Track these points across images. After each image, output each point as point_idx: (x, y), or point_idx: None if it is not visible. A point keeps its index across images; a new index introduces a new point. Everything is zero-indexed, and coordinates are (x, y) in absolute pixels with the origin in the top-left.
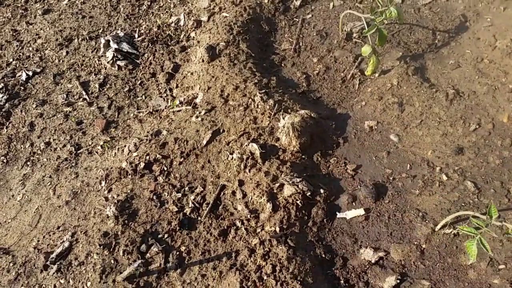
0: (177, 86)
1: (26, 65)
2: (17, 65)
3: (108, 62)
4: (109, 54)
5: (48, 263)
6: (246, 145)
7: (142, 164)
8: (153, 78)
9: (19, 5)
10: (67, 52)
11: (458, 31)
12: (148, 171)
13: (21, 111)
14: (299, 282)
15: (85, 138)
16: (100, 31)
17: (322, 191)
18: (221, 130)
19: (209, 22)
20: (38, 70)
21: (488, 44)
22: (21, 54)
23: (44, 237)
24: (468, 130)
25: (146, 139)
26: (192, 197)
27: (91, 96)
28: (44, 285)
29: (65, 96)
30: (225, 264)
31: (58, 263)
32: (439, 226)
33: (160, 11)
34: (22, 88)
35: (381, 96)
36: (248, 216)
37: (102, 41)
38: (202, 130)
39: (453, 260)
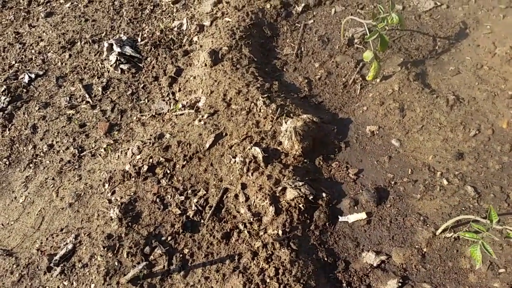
0: (179, 90)
1: (29, 68)
2: (20, 68)
3: (111, 66)
4: (112, 57)
5: (51, 265)
6: (249, 149)
7: (146, 167)
8: (156, 82)
9: (22, 7)
10: (70, 55)
11: (458, 38)
12: (151, 174)
13: (24, 113)
14: (301, 285)
15: (88, 140)
16: (103, 34)
17: (324, 195)
18: (224, 134)
19: (212, 26)
20: (41, 72)
21: (487, 51)
22: (23, 56)
23: (47, 239)
24: (468, 136)
25: (149, 142)
26: (195, 200)
27: (94, 99)
28: (47, 287)
29: (68, 98)
30: (228, 267)
31: (61, 265)
32: (440, 230)
33: (163, 15)
34: (24, 90)
35: (383, 101)
36: (251, 219)
37: (105, 44)
38: (205, 134)
39: (454, 263)
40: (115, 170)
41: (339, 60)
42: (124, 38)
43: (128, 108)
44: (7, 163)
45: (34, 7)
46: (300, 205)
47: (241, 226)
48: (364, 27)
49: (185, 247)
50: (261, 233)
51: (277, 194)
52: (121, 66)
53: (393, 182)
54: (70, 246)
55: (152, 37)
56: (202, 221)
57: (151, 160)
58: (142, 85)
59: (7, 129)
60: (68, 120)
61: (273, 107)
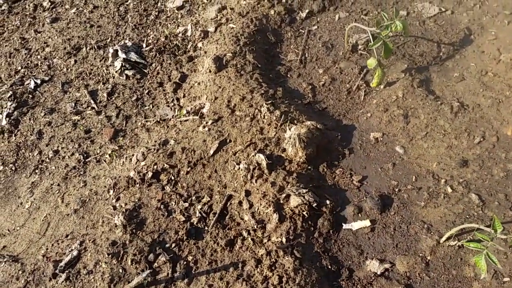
0: (184, 96)
1: (35, 73)
2: (26, 73)
3: (116, 72)
4: (117, 63)
5: (57, 271)
6: (253, 156)
7: (150, 174)
8: (160, 88)
9: (28, 13)
10: (75, 61)
11: (462, 44)
12: (155, 180)
13: (30, 119)
14: None
15: (93, 146)
16: (108, 40)
17: (328, 202)
18: (228, 140)
19: (216, 33)
20: (47, 78)
21: (492, 57)
22: (29, 62)
23: (52, 245)
24: (472, 143)
25: (154, 149)
26: (199, 207)
27: (99, 105)
28: None
29: (73, 104)
30: (232, 275)
31: (67, 271)
32: (444, 238)
33: (167, 21)
34: (30, 96)
35: (387, 108)
36: (255, 226)
37: (111, 50)
38: (209, 140)
39: (458, 272)
40: (119, 176)
41: (343, 66)
42: (129, 44)
43: (133, 114)
44: (13, 168)
45: (40, 13)
46: (304, 213)
47: (245, 233)
48: (368, 34)
49: (189, 254)
50: (265, 240)
51: (281, 201)
52: (126, 72)
53: (397, 189)
54: (75, 253)
55: (157, 43)
56: (206, 228)
57: (155, 166)
58: (147, 91)
59: (13, 135)
60: (73, 126)
61: (277, 114)
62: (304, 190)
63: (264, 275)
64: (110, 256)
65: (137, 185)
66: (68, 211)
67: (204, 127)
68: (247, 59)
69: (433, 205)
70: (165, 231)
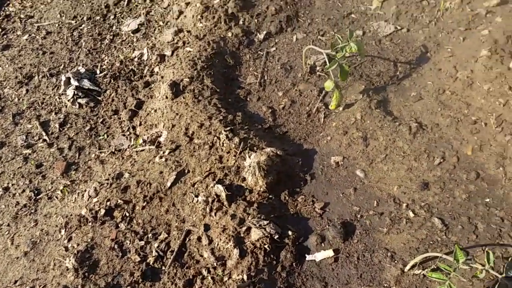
0: (140, 124)
1: None
2: None
3: (68, 100)
4: (70, 92)
5: None
6: (212, 187)
7: (103, 211)
8: (115, 116)
9: None
10: (27, 90)
11: (419, 62)
12: (109, 217)
13: None
14: None
15: (44, 182)
16: (61, 67)
17: (290, 232)
18: (186, 171)
19: (173, 56)
20: None
21: (449, 75)
22: None
23: None
24: (432, 164)
25: (107, 183)
26: (156, 245)
27: (51, 136)
28: None
29: (24, 137)
30: None
31: None
32: (408, 267)
33: (123, 45)
34: None
35: (346, 131)
36: (215, 263)
37: (63, 78)
38: (166, 172)
39: None
40: (71, 215)
41: (302, 88)
42: (83, 70)
43: (86, 145)
44: None
45: None
46: (266, 246)
47: (204, 272)
48: (324, 56)
49: None
50: (226, 278)
51: (242, 235)
52: (79, 100)
53: (359, 216)
54: None
55: (111, 68)
56: (163, 267)
57: (108, 202)
58: (101, 119)
59: None
60: (24, 160)
61: (236, 141)
62: (265, 222)
63: None
64: None
65: (90, 224)
66: (17, 254)
67: (161, 157)
68: (205, 84)
69: (396, 231)
70: (119, 273)
